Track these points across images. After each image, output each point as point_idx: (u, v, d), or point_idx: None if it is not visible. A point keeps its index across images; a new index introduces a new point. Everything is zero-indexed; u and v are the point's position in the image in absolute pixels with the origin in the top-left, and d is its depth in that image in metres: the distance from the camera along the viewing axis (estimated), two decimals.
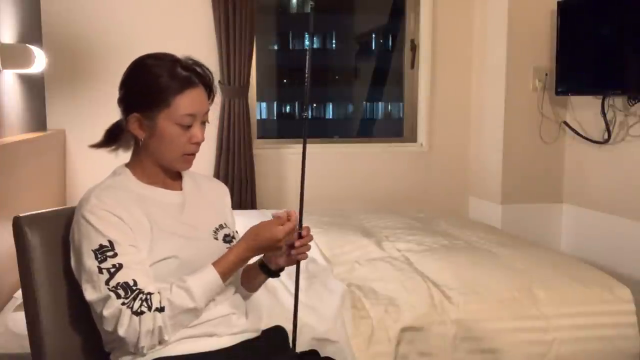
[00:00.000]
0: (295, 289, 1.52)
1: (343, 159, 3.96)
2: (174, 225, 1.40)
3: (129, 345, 1.29)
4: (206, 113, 1.44)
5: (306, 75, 1.47)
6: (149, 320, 1.27)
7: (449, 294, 2.21)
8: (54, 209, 1.52)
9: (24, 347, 1.61)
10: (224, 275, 1.36)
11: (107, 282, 1.26)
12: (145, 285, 1.29)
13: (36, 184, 2.90)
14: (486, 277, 2.35)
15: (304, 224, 1.46)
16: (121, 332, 1.26)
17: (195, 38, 3.64)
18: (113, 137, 1.48)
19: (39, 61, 3.02)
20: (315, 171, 3.92)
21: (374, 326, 2.08)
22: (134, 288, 1.27)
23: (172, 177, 1.49)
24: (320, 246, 2.70)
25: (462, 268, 2.43)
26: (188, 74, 1.40)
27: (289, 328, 1.61)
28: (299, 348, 1.64)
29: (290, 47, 5.75)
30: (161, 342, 1.31)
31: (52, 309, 1.40)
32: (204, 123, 1.44)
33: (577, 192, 3.73)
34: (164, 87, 1.37)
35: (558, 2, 3.49)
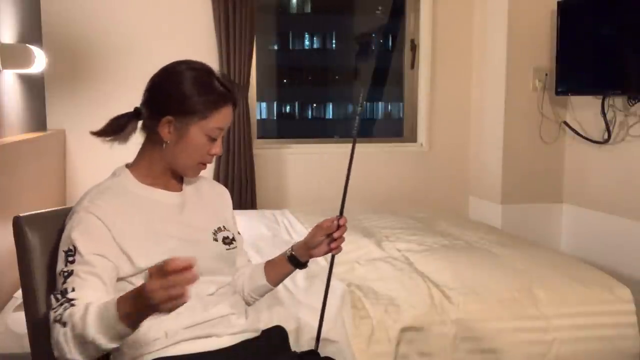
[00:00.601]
0: (325, 288, 1.53)
1: (343, 159, 3.94)
2: (173, 227, 1.40)
3: None
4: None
5: (371, 70, 1.49)
6: (56, 331, 1.20)
7: (449, 294, 2.21)
8: (54, 208, 1.52)
9: (24, 347, 1.61)
10: (122, 310, 1.11)
11: (60, 284, 1.28)
12: (79, 294, 1.23)
13: (36, 184, 2.90)
14: (486, 277, 2.35)
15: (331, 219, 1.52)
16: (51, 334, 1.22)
17: (195, 38, 3.64)
18: (117, 128, 1.44)
19: (39, 61, 3.02)
20: (314, 171, 3.92)
21: (374, 326, 2.08)
22: (66, 296, 1.24)
23: (175, 179, 1.49)
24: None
25: (462, 268, 2.43)
26: (225, 90, 1.43)
27: (289, 328, 1.62)
28: (299, 348, 1.64)
29: (290, 47, 5.75)
30: (63, 357, 1.19)
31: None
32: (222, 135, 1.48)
33: (577, 192, 3.73)
34: (204, 99, 1.40)
35: (558, 2, 3.49)
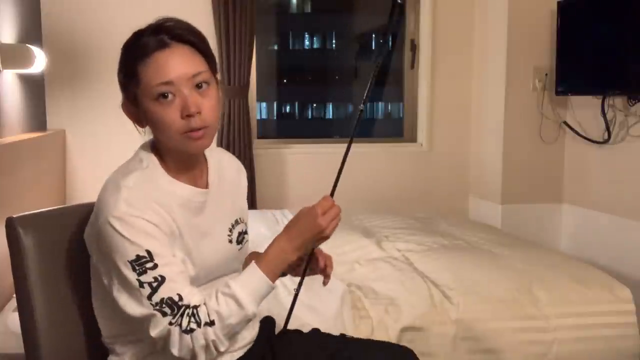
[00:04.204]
0: (290, 309, 1.46)
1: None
2: (191, 227, 1.27)
3: None
4: (196, 75, 1.20)
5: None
6: (200, 335, 1.16)
7: (449, 294, 2.21)
8: (47, 209, 1.49)
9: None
10: (271, 274, 1.23)
11: (149, 297, 1.16)
12: (190, 297, 1.18)
13: (36, 184, 2.90)
14: (486, 277, 2.35)
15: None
16: (174, 352, 1.17)
17: None
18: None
19: (39, 61, 3.02)
20: (315, 171, 3.92)
21: (374, 326, 2.08)
22: (180, 304, 1.16)
23: (199, 168, 1.33)
24: (321, 246, 2.70)
25: (462, 268, 2.43)
26: (156, 36, 1.21)
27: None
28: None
29: (290, 47, 5.74)
30: (218, 352, 1.21)
31: (47, 311, 1.37)
32: (199, 86, 1.21)
33: (577, 192, 3.73)
34: (130, 58, 1.21)
35: (558, 2, 3.49)
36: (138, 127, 1.27)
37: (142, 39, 1.21)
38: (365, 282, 2.31)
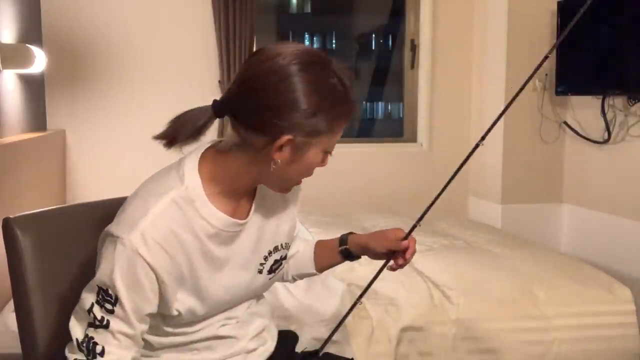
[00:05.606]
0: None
1: (343, 159, 3.95)
2: (211, 260, 1.18)
3: None
4: None
5: None
6: None
7: (449, 294, 2.21)
8: (45, 209, 1.46)
9: None
10: None
11: (88, 325, 1.12)
12: (108, 358, 1.12)
13: (36, 184, 2.90)
14: (486, 277, 2.35)
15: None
16: None
17: (195, 38, 3.64)
18: (194, 131, 1.12)
19: (39, 61, 3.03)
20: (315, 171, 3.92)
21: (374, 326, 2.08)
22: (96, 356, 1.11)
23: (246, 199, 1.23)
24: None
25: (462, 268, 2.43)
26: (344, 88, 1.13)
27: (289, 328, 1.61)
28: (299, 348, 1.64)
29: None
30: None
31: (44, 312, 1.35)
32: None
33: (577, 192, 3.73)
34: (331, 111, 1.11)
35: (558, 2, 3.49)
36: (277, 159, 1.12)
37: (337, 92, 1.12)
38: (365, 282, 2.30)
